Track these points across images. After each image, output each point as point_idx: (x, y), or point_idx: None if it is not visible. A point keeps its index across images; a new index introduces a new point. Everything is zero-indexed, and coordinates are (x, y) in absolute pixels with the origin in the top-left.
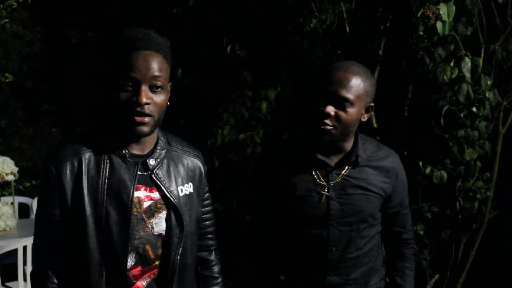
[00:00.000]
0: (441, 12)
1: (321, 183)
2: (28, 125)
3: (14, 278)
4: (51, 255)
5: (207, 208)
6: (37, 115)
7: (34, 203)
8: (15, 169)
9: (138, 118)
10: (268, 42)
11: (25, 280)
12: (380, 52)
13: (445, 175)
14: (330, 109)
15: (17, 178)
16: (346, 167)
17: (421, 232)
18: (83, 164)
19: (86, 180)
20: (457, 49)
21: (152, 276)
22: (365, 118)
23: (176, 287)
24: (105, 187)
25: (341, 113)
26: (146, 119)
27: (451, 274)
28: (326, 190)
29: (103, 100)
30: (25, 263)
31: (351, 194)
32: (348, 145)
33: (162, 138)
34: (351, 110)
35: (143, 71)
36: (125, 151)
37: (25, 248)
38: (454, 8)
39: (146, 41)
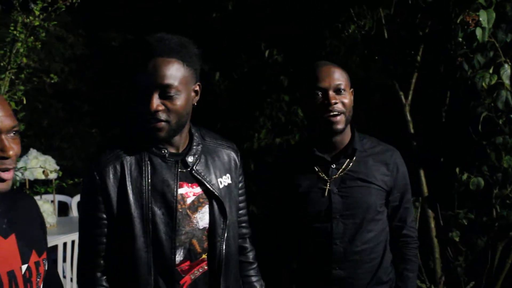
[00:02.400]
0: (481, 19)
1: (323, 178)
2: (68, 126)
3: None
4: (99, 258)
5: (242, 197)
6: (77, 116)
7: (73, 202)
8: (56, 168)
9: (152, 125)
10: (306, 47)
11: (64, 276)
12: (418, 58)
13: (482, 181)
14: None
15: (60, 176)
16: (346, 162)
17: (457, 239)
18: (126, 167)
19: (129, 183)
20: (497, 56)
21: (200, 270)
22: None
23: (224, 277)
24: (149, 188)
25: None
26: (161, 124)
27: (487, 281)
28: (328, 185)
29: (131, 105)
30: (64, 260)
31: (352, 187)
32: (345, 140)
33: (196, 133)
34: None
35: (152, 78)
36: (164, 151)
37: (64, 244)
38: (494, 14)
39: (158, 47)
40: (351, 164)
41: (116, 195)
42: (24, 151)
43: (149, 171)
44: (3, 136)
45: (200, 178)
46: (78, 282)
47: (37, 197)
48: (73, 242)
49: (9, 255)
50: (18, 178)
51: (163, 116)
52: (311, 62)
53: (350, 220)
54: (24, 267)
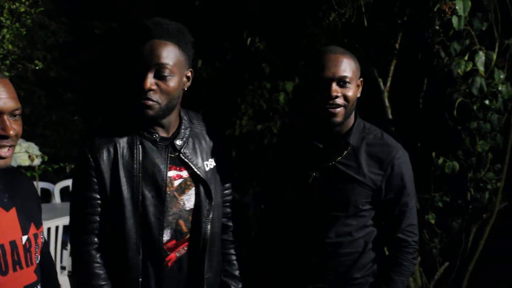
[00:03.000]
0: (457, 7)
1: (312, 164)
2: (51, 113)
3: None
4: (93, 235)
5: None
6: (60, 104)
7: (55, 189)
8: (39, 154)
9: (142, 101)
10: (287, 35)
11: None
12: (397, 46)
13: (457, 165)
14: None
15: (44, 161)
16: (338, 152)
17: (432, 221)
18: (118, 150)
19: (122, 166)
20: (472, 44)
21: (185, 248)
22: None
23: (208, 256)
24: (140, 171)
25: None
26: (151, 102)
27: (461, 262)
28: (315, 172)
29: (124, 88)
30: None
31: (335, 179)
32: (343, 130)
33: (185, 117)
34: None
35: (148, 58)
36: (155, 136)
37: (48, 230)
38: (469, 3)
39: (156, 30)
40: (342, 155)
41: (109, 177)
42: None
43: (140, 155)
44: (5, 117)
45: (187, 161)
46: (72, 260)
47: None
48: (57, 227)
49: (11, 226)
50: None
51: (154, 97)
52: (320, 48)
53: (326, 210)
54: (24, 238)
